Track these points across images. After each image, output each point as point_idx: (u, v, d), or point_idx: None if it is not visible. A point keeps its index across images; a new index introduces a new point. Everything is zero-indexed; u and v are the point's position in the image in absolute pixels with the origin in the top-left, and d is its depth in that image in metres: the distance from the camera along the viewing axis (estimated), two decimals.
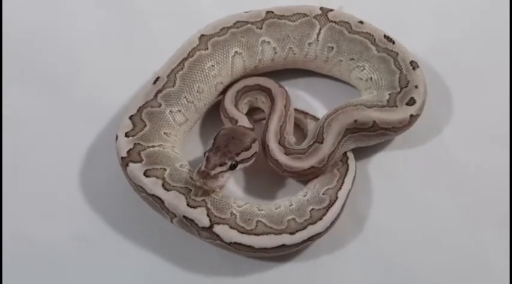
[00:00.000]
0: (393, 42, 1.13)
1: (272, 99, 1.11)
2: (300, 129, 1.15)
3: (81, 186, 1.11)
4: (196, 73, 1.12)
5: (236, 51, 1.15)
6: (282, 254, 1.00)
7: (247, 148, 1.01)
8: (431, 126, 1.15)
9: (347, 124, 1.04)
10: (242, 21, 1.16)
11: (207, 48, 1.13)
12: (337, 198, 1.01)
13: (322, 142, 1.03)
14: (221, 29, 1.15)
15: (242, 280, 1.01)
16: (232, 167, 0.98)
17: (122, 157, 1.04)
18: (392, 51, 1.12)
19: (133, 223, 1.07)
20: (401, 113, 1.06)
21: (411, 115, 1.07)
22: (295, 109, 1.15)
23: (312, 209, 1.00)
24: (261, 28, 1.16)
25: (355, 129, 1.05)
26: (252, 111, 1.17)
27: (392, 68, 1.11)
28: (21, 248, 1.05)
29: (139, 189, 1.02)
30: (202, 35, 1.14)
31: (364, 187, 1.08)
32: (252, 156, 1.02)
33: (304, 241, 0.97)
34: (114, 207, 1.09)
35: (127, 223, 1.07)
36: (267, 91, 1.12)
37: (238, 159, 0.99)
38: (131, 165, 1.03)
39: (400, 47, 1.13)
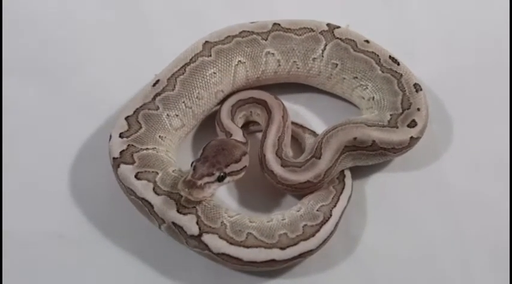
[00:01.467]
0: (398, 64, 1.12)
1: (269, 111, 1.09)
2: (297, 143, 1.13)
3: (71, 183, 1.08)
4: (197, 79, 1.10)
5: (239, 61, 1.13)
6: (270, 269, 0.97)
7: (237, 161, 0.98)
8: (431, 151, 1.13)
9: (346, 141, 1.03)
10: (248, 31, 1.14)
11: (210, 55, 1.12)
12: (331, 215, 0.98)
13: (319, 158, 1.01)
14: (226, 37, 1.13)
15: None
16: (220, 179, 0.95)
17: (114, 158, 1.01)
18: (396, 72, 1.11)
19: (119, 225, 1.04)
20: (402, 134, 1.05)
21: (411, 138, 1.05)
22: (294, 123, 1.13)
23: (305, 225, 0.97)
24: (266, 39, 1.14)
25: (354, 147, 1.03)
26: (248, 124, 1.15)
27: (396, 89, 1.10)
28: (5, 243, 1.02)
29: (129, 192, 0.99)
30: (206, 42, 1.13)
31: (359, 207, 1.06)
32: (242, 169, 0.99)
33: (294, 258, 0.94)
34: (102, 207, 1.06)
35: (113, 225, 1.04)
36: (263, 104, 1.10)
37: (226, 170, 0.96)
38: (123, 166, 1.00)
39: (405, 68, 1.12)
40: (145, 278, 1.00)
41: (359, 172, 1.08)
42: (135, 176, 0.99)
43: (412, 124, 1.06)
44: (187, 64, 1.11)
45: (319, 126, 1.15)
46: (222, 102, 1.14)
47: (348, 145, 1.03)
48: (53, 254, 1.01)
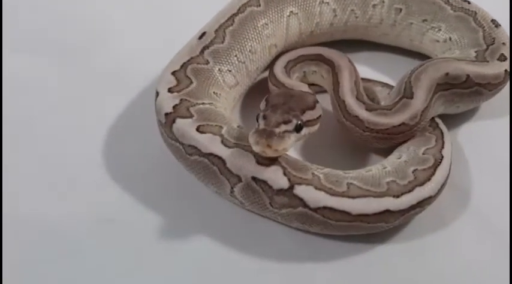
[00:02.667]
0: (469, 2, 1.01)
1: (333, 66, 0.93)
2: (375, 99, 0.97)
3: (105, 164, 0.89)
4: (249, 31, 0.95)
5: (291, 11, 0.99)
6: (381, 228, 0.77)
7: (312, 108, 0.80)
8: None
9: (438, 78, 0.87)
10: None
11: (260, 5, 0.97)
12: (442, 156, 0.81)
13: (412, 98, 0.85)
14: None
15: (324, 266, 0.77)
16: (298, 128, 0.76)
17: (167, 114, 0.82)
18: (469, 10, 0.99)
19: (170, 202, 0.84)
20: (496, 68, 0.91)
21: (505, 71, 0.92)
22: (364, 79, 0.97)
23: (415, 170, 0.79)
24: None
25: (447, 85, 0.88)
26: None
27: (473, 26, 0.98)
28: (40, 230, 0.80)
29: (190, 151, 0.79)
30: None
31: (460, 158, 0.89)
32: (318, 118, 0.81)
33: (412, 207, 0.75)
34: (144, 185, 0.86)
35: (163, 202, 0.84)
36: (325, 61, 0.94)
37: (303, 118, 0.77)
38: (179, 120, 0.81)
39: (477, 6, 1.01)
40: (215, 255, 0.78)
41: (449, 123, 0.92)
42: (197, 129, 0.79)
43: (502, 58, 0.93)
44: (235, 14, 0.95)
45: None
46: (274, 60, 0.98)
47: (440, 83, 0.87)
48: (99, 234, 0.80)
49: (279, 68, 0.95)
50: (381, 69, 1.05)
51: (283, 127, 0.74)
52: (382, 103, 0.93)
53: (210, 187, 0.81)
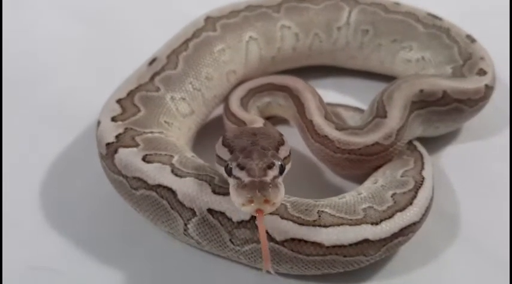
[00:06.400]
0: (440, 19, 0.95)
1: (294, 95, 0.83)
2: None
3: (43, 207, 0.77)
4: (204, 57, 0.87)
5: (251, 36, 0.92)
6: (361, 262, 0.65)
7: (282, 142, 0.68)
8: (497, 119, 0.92)
9: (412, 95, 0.80)
10: (255, 6, 0.95)
11: (216, 30, 0.90)
12: (423, 177, 0.72)
13: (385, 116, 0.77)
14: (230, 12, 0.93)
15: None
16: (282, 170, 0.63)
17: (108, 143, 0.72)
18: (441, 27, 0.93)
19: (117, 247, 0.72)
20: (475, 82, 0.84)
21: (486, 86, 0.84)
22: (332, 104, 0.90)
23: (394, 194, 0.69)
24: (278, 12, 0.95)
25: (423, 103, 0.80)
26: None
27: (447, 42, 0.91)
28: None
29: (135, 184, 0.69)
30: (208, 17, 0.92)
31: (443, 182, 0.80)
32: (290, 152, 0.69)
33: (394, 235, 0.65)
34: (84, 228, 0.75)
35: (108, 248, 0.72)
36: (283, 89, 0.84)
37: (281, 156, 0.65)
38: (122, 150, 0.71)
39: (450, 23, 0.95)
40: None
41: (429, 147, 0.83)
42: (143, 159, 0.69)
43: (481, 72, 0.86)
44: (189, 39, 0.88)
45: None
46: (237, 85, 0.89)
47: (415, 101, 0.80)
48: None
49: (235, 104, 0.84)
50: (350, 94, 0.97)
51: (271, 174, 0.60)
52: (362, 117, 0.84)
53: (161, 227, 0.70)
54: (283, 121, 0.89)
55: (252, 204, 0.57)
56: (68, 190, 0.80)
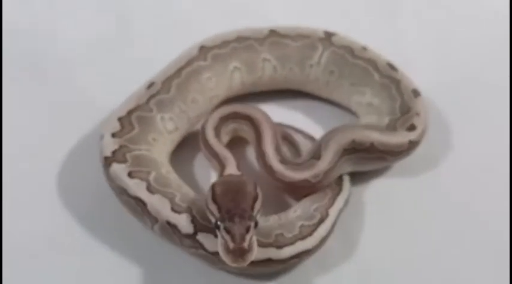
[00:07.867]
0: (396, 70, 1.12)
1: (255, 124, 1.04)
2: (294, 150, 1.11)
3: (59, 185, 1.06)
4: (193, 84, 1.09)
5: (235, 66, 1.13)
6: (267, 271, 0.93)
7: (256, 198, 0.88)
8: (430, 158, 1.11)
9: (344, 143, 1.00)
10: (244, 37, 1.15)
11: (206, 60, 1.11)
12: (328, 214, 0.96)
13: (319, 159, 0.99)
14: (222, 42, 1.13)
15: None
16: (256, 226, 0.85)
17: (106, 157, 0.99)
18: (394, 78, 1.10)
19: (107, 227, 1.00)
20: (400, 137, 1.03)
21: (410, 141, 1.03)
22: (294, 128, 1.12)
23: (302, 225, 0.94)
24: (262, 45, 1.15)
25: (353, 150, 1.01)
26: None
27: (394, 94, 1.09)
28: None
29: (121, 191, 0.96)
30: (202, 47, 1.12)
31: (359, 213, 1.03)
32: (261, 205, 0.90)
33: (292, 257, 0.91)
34: (90, 210, 1.03)
35: (101, 227, 1.00)
36: (246, 118, 1.05)
37: (254, 213, 0.86)
38: (115, 165, 0.97)
39: (403, 75, 1.12)
40: (135, 281, 0.95)
41: (359, 179, 1.06)
42: (128, 175, 0.96)
43: (411, 128, 1.04)
44: (182, 67, 1.10)
45: (317, 133, 1.12)
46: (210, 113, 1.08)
47: (346, 148, 1.01)
48: (42, 257, 0.97)
49: (210, 135, 1.03)
50: (315, 118, 1.18)
51: (248, 237, 0.82)
52: (304, 154, 1.06)
53: (139, 222, 0.98)
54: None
55: (236, 264, 0.82)
56: (78, 175, 1.07)
